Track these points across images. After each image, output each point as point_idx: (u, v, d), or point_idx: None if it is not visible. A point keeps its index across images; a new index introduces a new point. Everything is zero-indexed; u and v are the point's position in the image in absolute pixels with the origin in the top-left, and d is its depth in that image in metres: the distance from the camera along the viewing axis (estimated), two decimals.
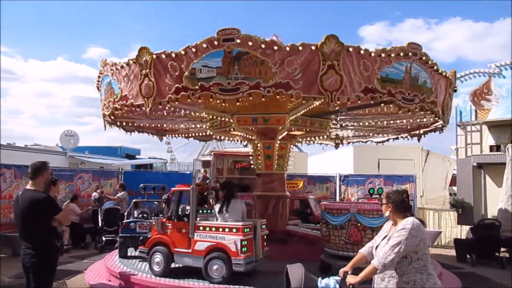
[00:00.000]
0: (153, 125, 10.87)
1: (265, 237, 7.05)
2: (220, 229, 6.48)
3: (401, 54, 6.37)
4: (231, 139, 11.98)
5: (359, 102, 6.53)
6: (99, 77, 8.18)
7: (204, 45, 6.06)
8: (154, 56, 6.40)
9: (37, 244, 4.66)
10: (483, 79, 13.56)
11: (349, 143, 13.28)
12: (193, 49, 6.13)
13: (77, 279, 8.38)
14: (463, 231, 12.65)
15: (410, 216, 3.55)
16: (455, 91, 8.08)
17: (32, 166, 4.86)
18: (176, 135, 12.59)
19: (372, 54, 6.29)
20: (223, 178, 13.53)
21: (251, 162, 9.92)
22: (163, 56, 6.37)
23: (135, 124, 10.42)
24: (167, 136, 12.70)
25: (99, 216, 11.85)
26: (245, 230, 6.40)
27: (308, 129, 8.90)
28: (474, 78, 13.67)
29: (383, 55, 6.35)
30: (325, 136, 11.36)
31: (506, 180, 11.31)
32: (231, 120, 8.36)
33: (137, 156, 28.35)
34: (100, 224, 11.78)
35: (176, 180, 13.66)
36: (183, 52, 6.19)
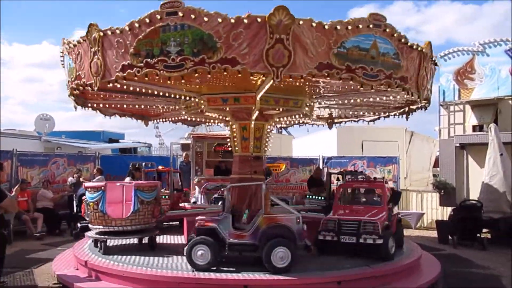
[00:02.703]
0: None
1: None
2: None
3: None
4: (211, 122, 11.52)
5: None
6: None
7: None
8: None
9: None
10: (467, 58, 13.31)
11: (340, 123, 12.64)
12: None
13: (46, 268, 8.06)
14: (446, 213, 12.59)
15: None
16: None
17: None
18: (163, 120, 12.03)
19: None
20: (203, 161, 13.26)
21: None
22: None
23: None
24: (153, 121, 12.14)
25: (74, 201, 11.50)
26: None
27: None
28: (457, 56, 13.42)
29: None
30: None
31: (488, 160, 11.18)
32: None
33: (120, 141, 27.81)
34: (75, 210, 11.44)
35: (156, 164, 13.39)
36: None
